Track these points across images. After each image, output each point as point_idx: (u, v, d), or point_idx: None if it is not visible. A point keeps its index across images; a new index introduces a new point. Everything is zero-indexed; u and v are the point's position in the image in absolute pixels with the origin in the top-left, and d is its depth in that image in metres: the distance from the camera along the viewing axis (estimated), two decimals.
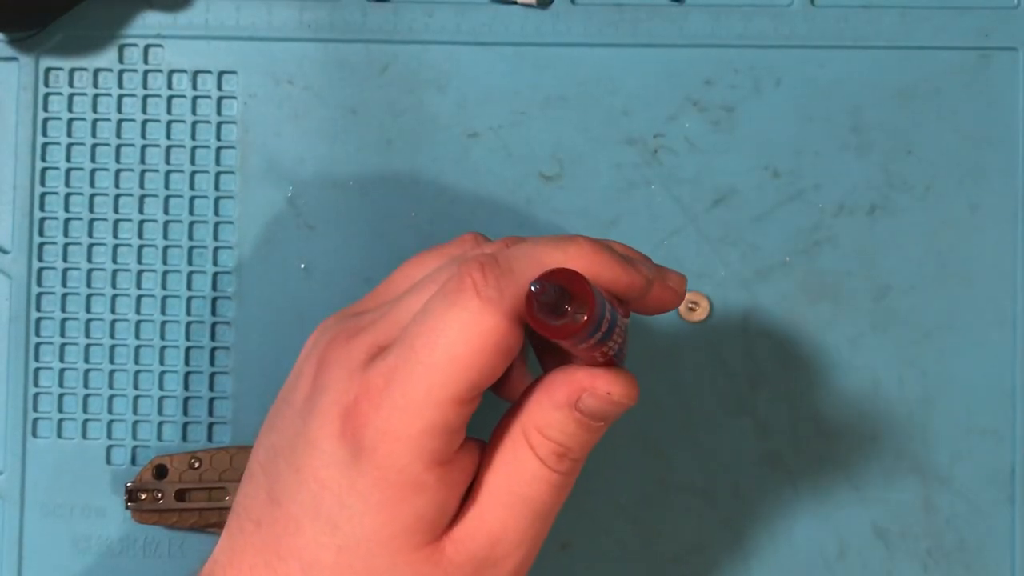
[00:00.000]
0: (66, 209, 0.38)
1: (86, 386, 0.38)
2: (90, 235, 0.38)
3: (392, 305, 0.29)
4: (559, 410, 0.28)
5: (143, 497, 0.36)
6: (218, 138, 0.38)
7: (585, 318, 0.24)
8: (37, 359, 0.38)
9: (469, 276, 0.26)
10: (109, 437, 0.38)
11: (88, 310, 0.38)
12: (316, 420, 0.28)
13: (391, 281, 0.31)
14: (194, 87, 0.38)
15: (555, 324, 0.24)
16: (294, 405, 0.29)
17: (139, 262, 0.38)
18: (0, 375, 0.38)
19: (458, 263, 0.27)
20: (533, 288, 0.23)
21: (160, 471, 0.36)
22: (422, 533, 0.27)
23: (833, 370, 0.37)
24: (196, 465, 0.36)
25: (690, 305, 0.37)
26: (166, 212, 0.38)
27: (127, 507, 0.36)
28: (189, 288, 0.38)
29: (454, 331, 0.26)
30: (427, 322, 0.26)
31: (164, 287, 0.38)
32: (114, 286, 0.38)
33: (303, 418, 0.28)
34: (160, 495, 0.36)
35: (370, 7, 0.38)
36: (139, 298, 0.38)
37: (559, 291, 0.23)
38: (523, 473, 0.28)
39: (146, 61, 0.38)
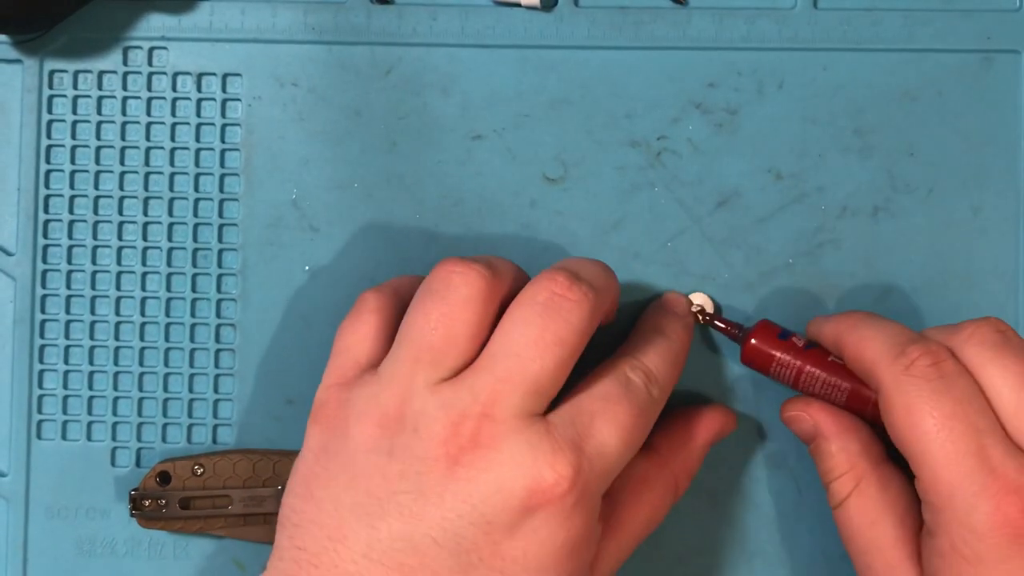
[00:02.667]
0: (70, 211, 0.38)
1: (90, 388, 0.38)
2: (94, 237, 0.38)
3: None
4: (691, 449, 0.35)
5: (147, 504, 0.36)
6: (222, 140, 0.38)
7: None
8: (41, 361, 0.38)
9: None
10: (113, 439, 0.38)
11: (92, 312, 0.38)
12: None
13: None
14: (198, 89, 0.38)
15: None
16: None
17: (143, 264, 0.38)
18: (4, 377, 0.38)
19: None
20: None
21: (164, 478, 0.36)
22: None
23: None
24: (199, 471, 0.36)
25: (694, 307, 0.37)
26: (170, 214, 0.38)
27: (131, 515, 0.36)
28: (193, 290, 0.38)
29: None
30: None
31: (168, 289, 0.38)
32: (118, 288, 0.38)
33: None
34: (164, 503, 0.36)
35: (374, 10, 0.38)
36: (143, 300, 0.38)
37: None
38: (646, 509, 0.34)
39: (150, 63, 0.38)
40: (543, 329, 0.29)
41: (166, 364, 0.38)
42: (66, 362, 0.38)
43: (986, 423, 0.29)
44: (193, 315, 0.38)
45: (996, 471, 0.28)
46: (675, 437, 0.35)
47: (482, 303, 0.30)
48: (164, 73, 0.38)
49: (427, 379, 0.30)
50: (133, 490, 0.36)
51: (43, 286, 0.38)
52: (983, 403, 0.29)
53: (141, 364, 0.38)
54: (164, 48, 0.38)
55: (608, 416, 0.30)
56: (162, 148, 0.38)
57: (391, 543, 0.28)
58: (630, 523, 0.33)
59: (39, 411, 0.38)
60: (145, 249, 0.38)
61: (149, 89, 0.38)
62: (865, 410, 0.33)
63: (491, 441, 0.28)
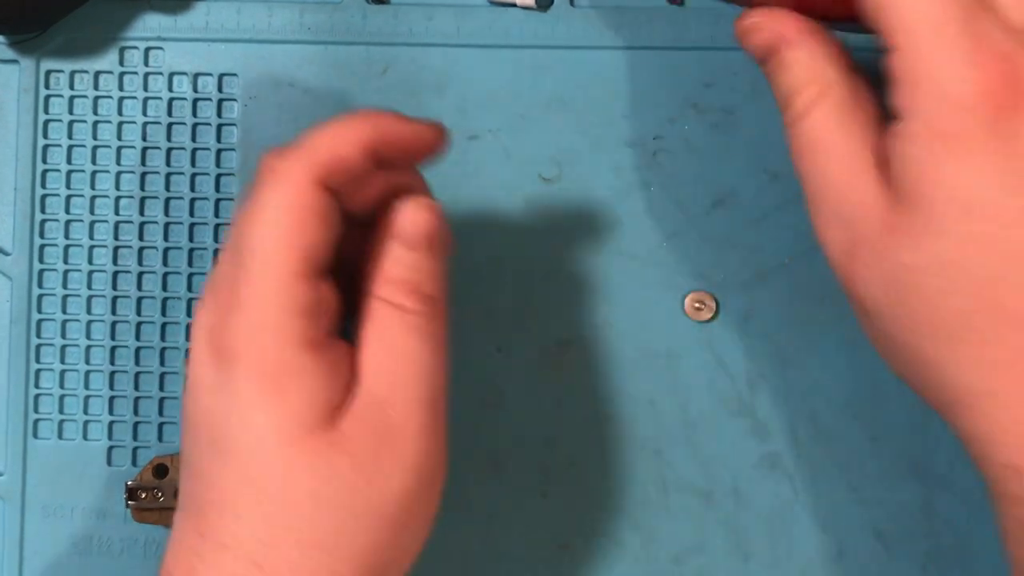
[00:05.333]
0: (67, 211, 0.38)
1: (87, 387, 0.38)
2: (91, 237, 0.38)
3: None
4: (387, 247, 0.29)
5: (143, 496, 0.36)
6: (218, 140, 0.38)
7: None
8: (38, 360, 0.38)
9: (264, 164, 0.28)
10: (110, 438, 0.38)
11: (89, 312, 0.38)
12: (191, 368, 0.29)
13: None
14: (195, 89, 0.38)
15: None
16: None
17: (140, 264, 0.38)
18: (1, 376, 0.38)
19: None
20: None
21: (160, 471, 0.37)
22: (314, 419, 0.27)
23: (832, 371, 0.37)
24: None
25: (696, 305, 0.37)
26: (167, 214, 0.38)
27: (127, 506, 0.36)
28: (190, 290, 0.38)
29: (266, 213, 0.28)
30: (244, 225, 0.28)
31: (165, 289, 0.38)
32: (115, 288, 0.38)
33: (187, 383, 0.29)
34: (160, 494, 0.36)
35: (370, 10, 0.38)
36: (140, 300, 0.38)
37: None
38: (388, 330, 0.29)
39: (147, 63, 0.38)
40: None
41: (162, 364, 0.38)
42: (62, 361, 0.38)
43: None
44: (189, 315, 0.38)
45: (980, 38, 0.26)
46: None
47: None
48: (160, 73, 0.38)
49: None
50: (129, 481, 0.36)
51: (39, 286, 0.38)
52: None
53: (137, 363, 0.38)
54: (160, 48, 0.38)
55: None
56: (158, 148, 0.38)
57: None
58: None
59: (35, 410, 0.38)
60: (141, 249, 0.38)
61: (145, 89, 0.38)
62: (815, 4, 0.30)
63: None
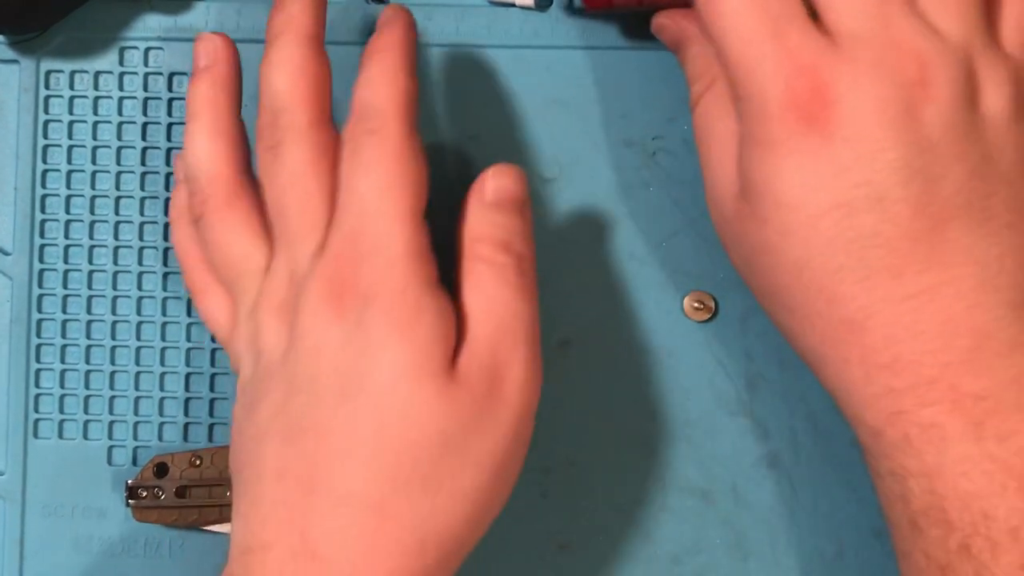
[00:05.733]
0: (67, 211, 0.38)
1: (87, 387, 0.38)
2: (91, 237, 0.38)
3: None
4: (479, 211, 0.32)
5: (143, 494, 0.36)
6: None
7: None
8: (38, 360, 0.38)
9: (360, 126, 0.31)
10: (110, 438, 0.38)
11: (89, 311, 0.38)
12: (311, 339, 0.30)
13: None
14: None
15: None
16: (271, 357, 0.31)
17: (140, 264, 0.38)
18: (1, 376, 0.38)
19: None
20: None
21: (161, 469, 0.37)
22: (440, 356, 0.29)
23: None
24: (197, 463, 0.37)
25: (696, 305, 0.37)
26: (167, 214, 0.38)
27: (127, 504, 0.36)
28: None
29: (380, 165, 0.30)
30: (354, 179, 0.30)
31: (165, 288, 0.38)
32: (115, 288, 0.38)
33: (284, 355, 0.31)
34: (161, 492, 0.36)
35: (370, 10, 0.38)
36: (140, 299, 0.38)
37: None
38: (486, 282, 0.31)
39: (146, 64, 0.38)
40: None
41: (162, 363, 0.38)
42: (63, 361, 0.38)
43: (785, 7, 0.29)
44: (189, 314, 0.38)
45: (788, 52, 0.28)
46: None
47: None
48: (160, 73, 0.38)
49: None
50: (130, 480, 0.36)
51: (40, 285, 0.38)
52: None
53: (138, 363, 0.38)
54: (160, 48, 0.38)
55: (356, 196, 0.31)
56: (158, 148, 0.38)
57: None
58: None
59: (36, 410, 0.38)
60: (141, 249, 0.38)
61: (145, 89, 0.38)
62: None
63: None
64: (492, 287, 0.31)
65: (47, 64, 0.38)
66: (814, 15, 0.29)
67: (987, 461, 0.28)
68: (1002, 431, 0.28)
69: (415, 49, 0.32)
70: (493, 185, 0.32)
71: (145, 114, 0.38)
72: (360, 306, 0.29)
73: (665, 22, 0.35)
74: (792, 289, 0.30)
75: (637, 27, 0.38)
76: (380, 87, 0.31)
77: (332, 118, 0.32)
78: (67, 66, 0.38)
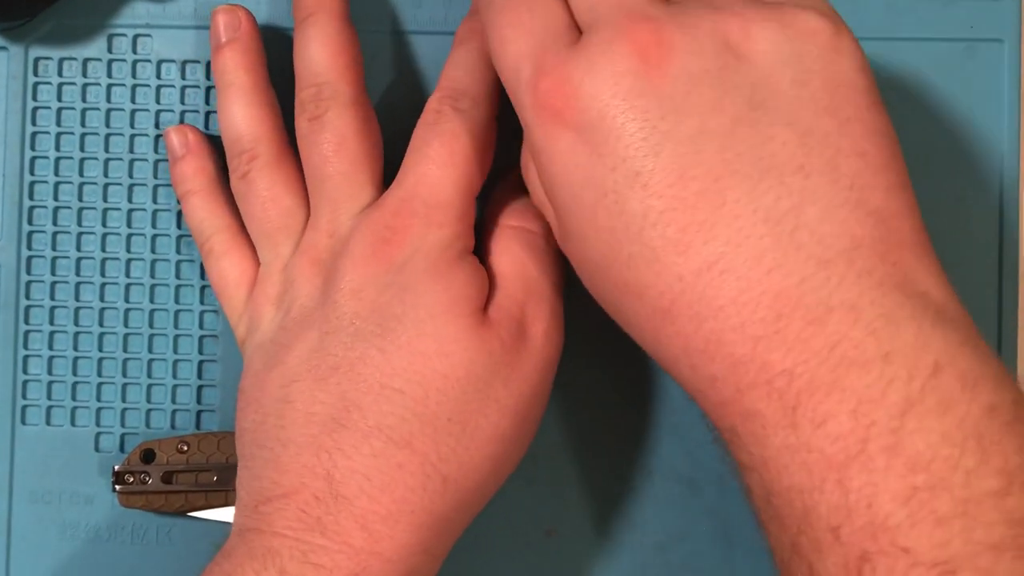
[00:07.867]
0: (55, 198, 0.38)
1: (75, 374, 0.38)
2: (79, 224, 0.38)
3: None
4: (507, 192, 0.35)
5: (130, 480, 0.36)
6: (206, 127, 0.38)
7: None
8: (26, 347, 0.38)
9: (439, 107, 0.33)
10: (98, 424, 0.38)
11: (77, 298, 0.38)
12: (351, 298, 0.32)
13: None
14: (183, 77, 0.38)
15: None
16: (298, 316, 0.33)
17: (128, 251, 0.38)
18: None
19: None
20: None
21: (148, 455, 0.37)
22: (472, 301, 0.31)
23: None
24: (184, 449, 0.37)
25: None
26: (155, 201, 0.38)
27: (114, 490, 0.36)
28: (177, 276, 0.38)
29: (445, 147, 0.32)
30: (431, 148, 0.32)
31: (152, 275, 0.38)
32: (103, 275, 0.38)
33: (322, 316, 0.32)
34: (147, 478, 0.36)
35: None
36: (128, 286, 0.38)
37: None
38: (515, 247, 0.33)
39: (135, 51, 0.38)
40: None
41: (150, 350, 0.38)
42: (51, 348, 0.38)
43: (545, 24, 0.29)
44: (177, 301, 0.38)
45: (537, 61, 0.28)
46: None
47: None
48: (149, 60, 0.38)
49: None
50: (117, 466, 0.36)
51: (28, 272, 0.38)
52: (550, 9, 0.29)
53: (125, 350, 0.38)
54: (148, 35, 0.38)
55: (426, 161, 0.32)
56: (147, 135, 0.38)
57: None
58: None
59: (23, 396, 0.38)
60: (130, 236, 0.38)
61: (134, 76, 0.38)
62: None
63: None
64: (520, 251, 0.33)
65: (35, 51, 0.38)
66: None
67: (804, 451, 0.25)
68: (817, 415, 0.25)
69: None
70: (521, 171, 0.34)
71: (133, 101, 0.38)
72: (406, 256, 0.31)
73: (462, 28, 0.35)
74: (612, 295, 0.29)
75: None
76: (474, 71, 0.33)
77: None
78: (55, 53, 0.38)
